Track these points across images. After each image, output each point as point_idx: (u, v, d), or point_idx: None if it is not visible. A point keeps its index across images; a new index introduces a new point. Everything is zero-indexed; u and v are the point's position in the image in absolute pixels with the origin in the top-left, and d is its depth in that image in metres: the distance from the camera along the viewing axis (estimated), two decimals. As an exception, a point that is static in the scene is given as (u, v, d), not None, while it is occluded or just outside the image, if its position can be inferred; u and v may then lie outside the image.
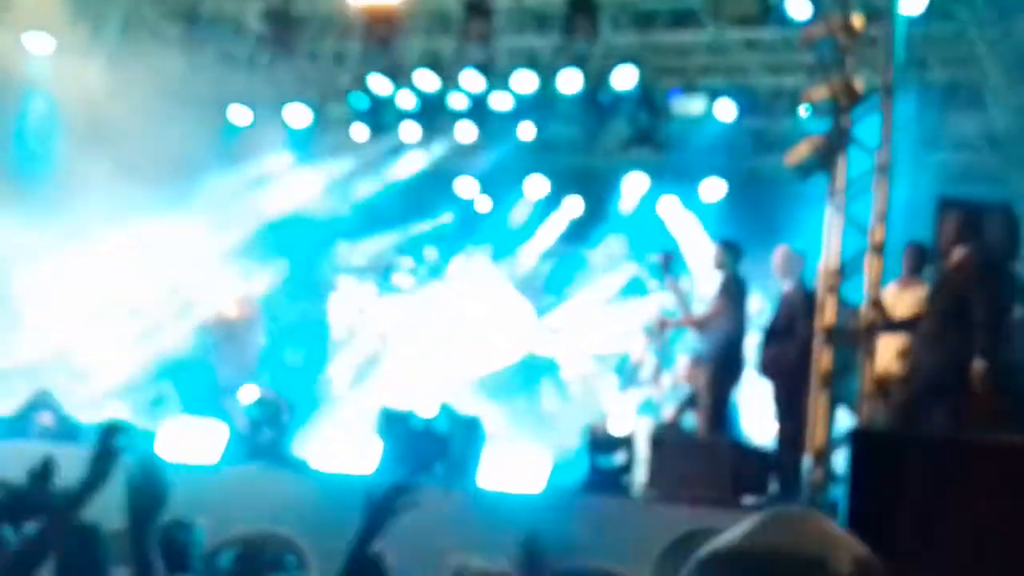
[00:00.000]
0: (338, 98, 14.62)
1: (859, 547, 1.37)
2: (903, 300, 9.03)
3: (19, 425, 9.95)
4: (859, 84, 9.13)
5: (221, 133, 14.42)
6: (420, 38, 13.91)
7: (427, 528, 7.21)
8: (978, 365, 7.78)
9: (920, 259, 9.12)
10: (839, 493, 8.32)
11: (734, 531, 1.40)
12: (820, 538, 1.36)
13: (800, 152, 9.21)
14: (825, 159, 9.11)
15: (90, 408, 11.24)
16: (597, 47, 13.29)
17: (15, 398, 10.29)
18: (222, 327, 12.04)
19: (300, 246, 14.41)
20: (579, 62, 13.62)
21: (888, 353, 8.83)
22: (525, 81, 13.85)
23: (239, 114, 14.64)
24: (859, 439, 7.29)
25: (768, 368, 9.60)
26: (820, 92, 9.19)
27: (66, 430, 10.27)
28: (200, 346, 12.22)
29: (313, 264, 14.74)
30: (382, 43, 12.65)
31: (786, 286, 9.69)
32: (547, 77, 13.81)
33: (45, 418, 10.15)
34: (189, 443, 9.29)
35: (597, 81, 13.87)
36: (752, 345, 10.09)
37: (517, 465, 8.99)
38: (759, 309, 10.37)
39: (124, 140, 11.90)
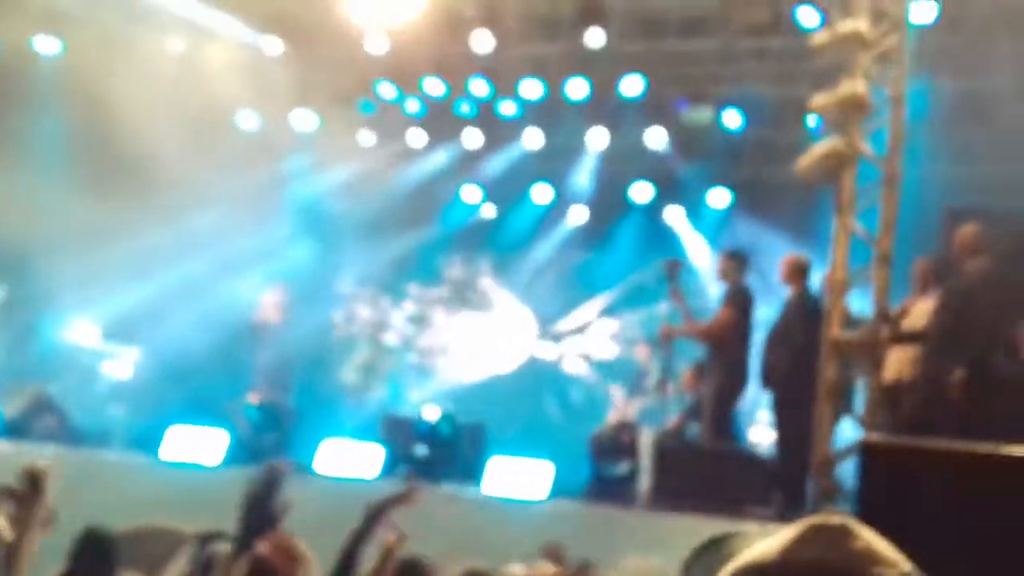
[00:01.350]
0: (345, 103, 14.65)
1: (905, 563, 1.30)
2: (915, 311, 8.99)
3: (21, 426, 9.94)
4: (868, 94, 9.11)
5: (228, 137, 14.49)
6: (429, 44, 13.92)
7: (431, 533, 7.20)
8: (959, 374, 7.82)
9: (932, 273, 9.05)
10: (844, 505, 8.31)
11: (770, 542, 1.33)
12: (864, 553, 1.30)
13: (808, 162, 9.19)
14: (833, 169, 9.09)
15: (92, 410, 11.31)
16: (605, 54, 13.29)
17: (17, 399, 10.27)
18: (261, 329, 12.10)
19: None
20: (586, 69, 13.63)
21: (897, 363, 8.80)
22: (532, 88, 13.86)
23: (246, 118, 14.70)
24: (869, 450, 7.25)
25: (767, 376, 9.59)
26: (829, 102, 9.16)
27: (68, 433, 10.29)
28: (234, 348, 12.28)
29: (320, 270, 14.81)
30: (391, 51, 12.69)
31: (789, 294, 9.67)
32: (554, 84, 13.83)
33: (47, 420, 10.15)
34: (192, 446, 9.29)
35: (604, 88, 13.88)
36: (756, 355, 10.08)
37: (521, 472, 8.97)
38: (764, 319, 10.32)
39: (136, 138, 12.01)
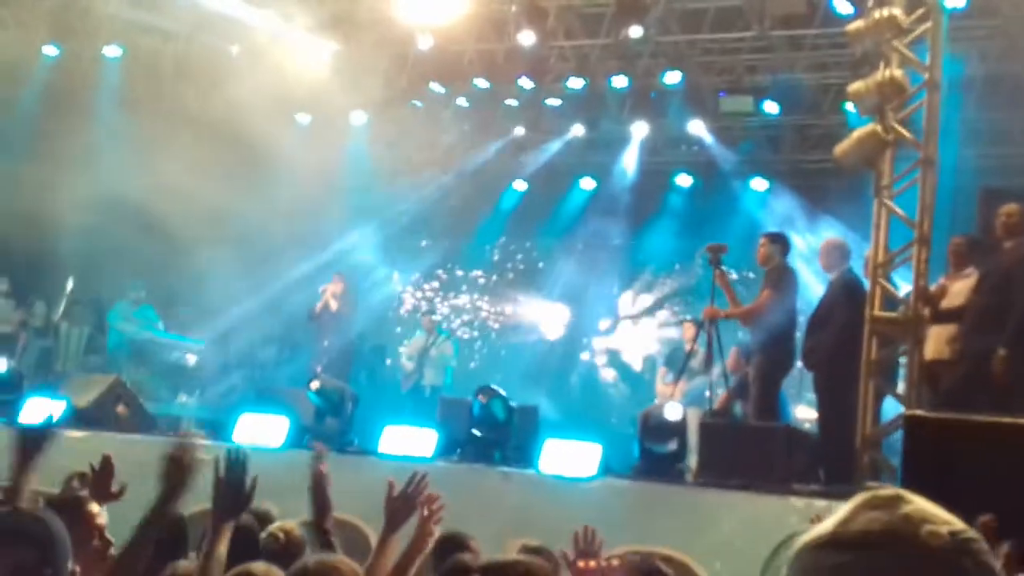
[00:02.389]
0: (396, 101, 15.00)
1: (956, 521, 1.34)
2: (953, 290, 9.17)
3: (95, 416, 10.30)
4: (905, 79, 9.30)
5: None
6: (474, 43, 14.24)
7: (487, 513, 7.46)
8: (1002, 351, 7.99)
9: (966, 251, 9.23)
10: (889, 480, 8.50)
11: (827, 520, 1.39)
12: (913, 515, 1.34)
13: (847, 147, 9.38)
14: (871, 154, 9.28)
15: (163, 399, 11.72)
16: (644, 47, 13.53)
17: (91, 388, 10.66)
18: (327, 318, 12.48)
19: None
20: (627, 62, 13.87)
21: (938, 341, 8.99)
22: (575, 81, 14.13)
23: (303, 117, 15.14)
24: (912, 424, 7.44)
25: (809, 357, 9.74)
26: (866, 87, 9.34)
27: (141, 421, 10.67)
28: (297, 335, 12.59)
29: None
30: (439, 49, 12.99)
31: (832, 277, 9.83)
32: (596, 78, 14.09)
33: (121, 409, 10.53)
34: (257, 433, 9.60)
35: (645, 81, 14.13)
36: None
37: (572, 451, 9.17)
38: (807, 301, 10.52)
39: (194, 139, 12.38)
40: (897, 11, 9.32)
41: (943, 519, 1.34)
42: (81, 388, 10.78)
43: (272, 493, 7.82)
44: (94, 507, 4.13)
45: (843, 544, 1.34)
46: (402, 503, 4.27)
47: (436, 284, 16.50)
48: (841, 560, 1.33)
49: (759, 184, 15.41)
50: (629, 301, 15.88)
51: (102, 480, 4.73)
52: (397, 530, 4.20)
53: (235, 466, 3.83)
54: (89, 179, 13.38)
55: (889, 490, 1.39)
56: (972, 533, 1.34)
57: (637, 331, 15.59)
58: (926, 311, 8.93)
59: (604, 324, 15.57)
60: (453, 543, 5.24)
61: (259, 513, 6.02)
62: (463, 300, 16.28)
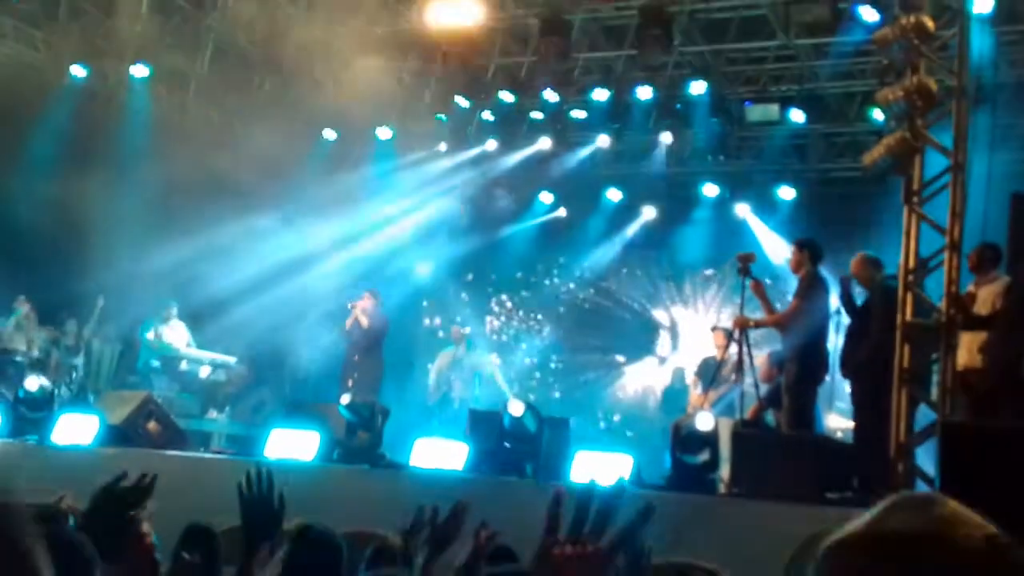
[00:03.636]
0: (422, 115, 15.07)
1: (989, 526, 1.32)
2: (980, 297, 9.14)
3: (127, 433, 10.36)
4: (934, 85, 9.27)
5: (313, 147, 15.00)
6: (499, 56, 14.29)
7: (518, 525, 7.44)
8: None
9: (985, 258, 9.22)
10: (922, 487, 8.45)
11: (858, 519, 1.37)
12: (947, 518, 1.32)
13: (876, 154, 9.35)
14: (901, 160, 9.24)
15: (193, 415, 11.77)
16: (669, 57, 13.54)
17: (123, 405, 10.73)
18: (357, 335, 12.52)
19: None
20: (652, 72, 13.88)
21: (970, 348, 8.95)
22: (600, 93, 14.15)
23: (328, 131, 15.24)
24: (948, 431, 7.39)
25: (846, 367, 9.71)
26: (895, 94, 9.31)
27: (172, 437, 10.72)
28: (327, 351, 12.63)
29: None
30: (462, 63, 13.02)
31: (865, 288, 9.79)
32: (621, 89, 14.10)
33: (151, 425, 10.58)
34: (288, 447, 9.64)
35: (670, 91, 14.13)
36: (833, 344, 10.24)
37: (603, 465, 9.15)
38: (837, 308, 10.47)
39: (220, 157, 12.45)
40: (924, 17, 9.29)
41: (977, 523, 1.32)
42: (114, 405, 10.84)
43: (304, 508, 7.91)
44: (145, 526, 4.14)
45: (874, 544, 1.32)
46: (444, 532, 4.22)
47: (466, 296, 16.55)
48: (872, 561, 1.31)
49: (786, 193, 15.37)
50: (661, 311, 15.86)
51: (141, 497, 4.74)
52: (437, 559, 4.15)
53: (259, 485, 3.81)
54: (117, 197, 13.48)
55: (923, 493, 1.37)
56: (1008, 538, 1.31)
57: (667, 342, 15.56)
58: (957, 317, 8.88)
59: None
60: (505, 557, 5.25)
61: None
62: (493, 311, 16.33)
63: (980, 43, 9.58)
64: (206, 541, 5.44)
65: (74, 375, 13.63)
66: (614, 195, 16.41)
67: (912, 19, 9.25)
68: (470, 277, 16.52)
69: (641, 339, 16.30)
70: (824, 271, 10.10)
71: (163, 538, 5.59)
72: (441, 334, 16.16)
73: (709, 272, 15.72)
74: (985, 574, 1.29)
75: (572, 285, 16.42)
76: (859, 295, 10.06)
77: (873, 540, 1.32)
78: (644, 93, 14.05)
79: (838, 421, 12.42)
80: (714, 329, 13.16)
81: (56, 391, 11.79)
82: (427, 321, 16.64)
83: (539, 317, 16.42)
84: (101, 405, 10.94)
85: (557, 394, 15.51)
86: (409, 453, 9.56)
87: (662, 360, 15.61)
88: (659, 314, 16.19)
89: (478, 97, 14.71)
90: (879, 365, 9.01)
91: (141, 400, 10.75)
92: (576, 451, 9.31)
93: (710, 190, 15.79)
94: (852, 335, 9.64)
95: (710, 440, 9.13)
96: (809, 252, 10.00)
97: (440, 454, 9.64)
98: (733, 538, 8.02)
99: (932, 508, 1.33)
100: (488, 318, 16.60)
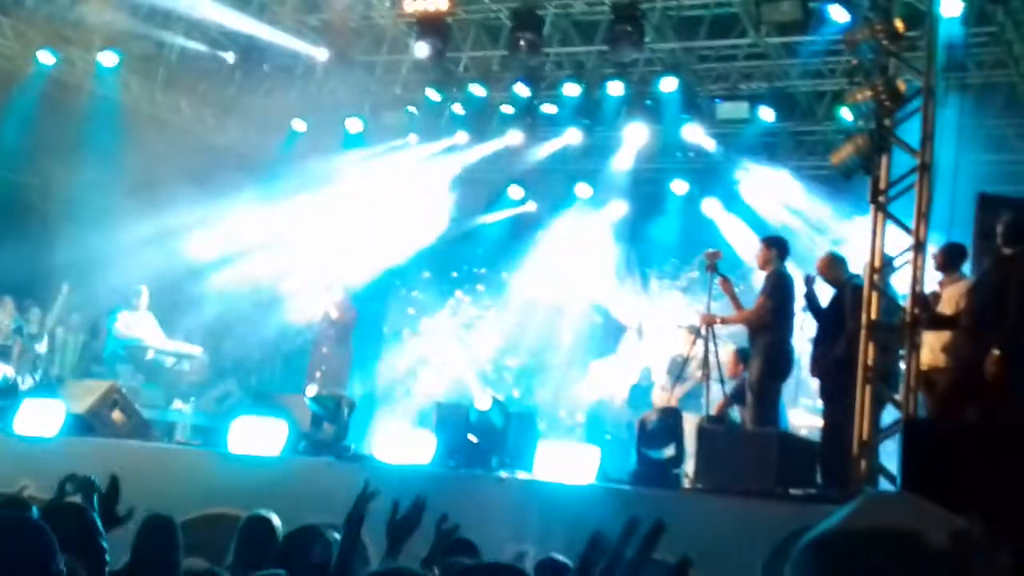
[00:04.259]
0: (392, 106, 15.04)
1: (958, 520, 1.36)
2: (944, 296, 9.23)
3: (91, 422, 10.30)
4: (902, 86, 9.34)
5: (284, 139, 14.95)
6: (470, 48, 14.29)
7: (484, 518, 7.45)
8: (996, 352, 8.00)
9: (951, 257, 9.31)
10: (885, 486, 8.52)
11: (831, 518, 1.40)
12: (915, 515, 1.35)
13: (844, 153, 9.42)
14: (868, 159, 9.31)
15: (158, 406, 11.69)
16: (641, 54, 13.57)
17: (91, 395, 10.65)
18: (325, 327, 12.46)
19: None
20: (623, 69, 13.90)
21: (934, 348, 9.03)
22: (571, 88, 14.16)
23: (298, 123, 15.18)
24: (911, 429, 7.45)
25: (816, 366, 9.77)
26: (863, 94, 9.38)
27: (136, 427, 10.66)
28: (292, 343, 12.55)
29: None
30: (434, 53, 12.99)
31: (834, 287, 9.84)
32: (592, 84, 14.12)
33: (116, 415, 10.52)
34: (254, 438, 9.61)
35: (641, 87, 14.17)
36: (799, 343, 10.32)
37: (568, 457, 9.19)
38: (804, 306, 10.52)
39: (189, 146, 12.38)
40: (894, 18, 9.36)
41: (947, 519, 1.35)
42: (78, 394, 10.77)
43: (270, 499, 7.87)
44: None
45: (848, 542, 1.35)
46: (404, 525, 4.25)
47: (431, 289, 16.54)
48: (846, 558, 1.34)
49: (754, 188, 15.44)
50: (627, 307, 15.90)
51: (109, 504, 4.71)
52: (399, 552, 4.18)
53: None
54: (83, 185, 13.38)
55: (892, 492, 1.39)
56: (976, 533, 1.35)
57: (634, 338, 15.61)
58: (921, 316, 8.95)
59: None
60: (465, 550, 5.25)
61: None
62: (458, 304, 16.33)
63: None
64: (166, 531, 5.41)
65: (37, 363, 13.50)
66: (583, 191, 16.44)
67: (882, 20, 9.33)
68: (427, 274, 16.50)
69: (607, 336, 16.33)
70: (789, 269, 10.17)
71: (127, 528, 5.57)
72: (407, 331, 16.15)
73: (676, 269, 15.77)
74: (955, 569, 1.32)
75: (537, 279, 16.43)
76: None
77: (847, 538, 1.35)
78: (615, 89, 14.07)
79: (802, 418, 12.50)
80: (680, 327, 13.23)
81: (19, 379, 11.70)
82: (394, 314, 16.61)
83: (503, 311, 16.42)
84: (65, 394, 10.85)
85: (517, 392, 15.51)
86: (373, 444, 9.57)
87: (628, 357, 15.65)
88: (625, 310, 16.22)
89: (449, 90, 14.69)
90: (852, 364, 9.07)
91: (106, 389, 10.68)
92: (542, 444, 9.34)
93: (679, 186, 15.85)
94: (821, 333, 9.69)
95: (675, 435, 9.19)
96: (776, 249, 10.07)
97: (405, 444, 9.68)
98: (697, 533, 8.06)
99: (898, 506, 1.37)
100: (448, 311, 16.59)
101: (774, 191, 15.03)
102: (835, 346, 9.41)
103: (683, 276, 15.67)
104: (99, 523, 4.06)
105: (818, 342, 9.74)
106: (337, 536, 4.75)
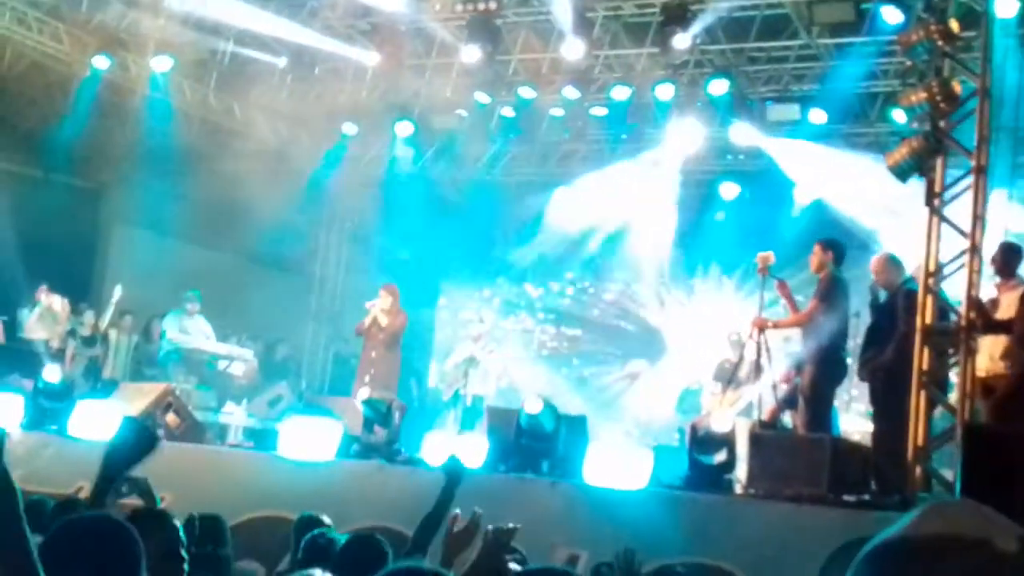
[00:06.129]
0: (442, 110, 15.08)
1: (1020, 529, 1.35)
2: (1003, 303, 9.09)
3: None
4: (957, 87, 9.23)
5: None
6: (520, 51, 14.29)
7: (535, 522, 7.44)
8: None
9: (1009, 257, 9.17)
10: (939, 492, 8.42)
11: (894, 527, 1.39)
12: (981, 522, 1.34)
13: (899, 155, 9.31)
14: (923, 161, 9.21)
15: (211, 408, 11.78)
16: (691, 56, 13.50)
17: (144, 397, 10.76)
18: (375, 331, 12.48)
19: None
20: (673, 71, 13.84)
21: (992, 355, 8.91)
22: (620, 91, 14.11)
23: (348, 126, 15.27)
24: (971, 435, 7.35)
25: (866, 369, 9.66)
26: (918, 96, 9.28)
27: (190, 430, 10.76)
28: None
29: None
30: (483, 56, 13.02)
31: (887, 290, 9.73)
32: (642, 86, 14.06)
33: (170, 418, 10.61)
34: (306, 441, 9.66)
35: (691, 89, 14.09)
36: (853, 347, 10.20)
37: (620, 462, 9.15)
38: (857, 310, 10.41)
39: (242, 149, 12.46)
40: (949, 19, 9.25)
41: (1012, 527, 1.34)
42: (132, 397, 10.88)
43: (321, 502, 7.92)
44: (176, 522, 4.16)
45: (912, 551, 1.34)
46: (463, 539, 4.25)
47: (483, 295, 16.56)
48: (910, 567, 1.33)
49: (805, 192, 15.28)
50: (676, 312, 15.83)
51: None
52: (452, 564, 4.18)
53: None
54: (137, 188, 13.53)
55: (955, 500, 1.44)
56: None
57: (684, 343, 15.53)
58: (977, 321, 8.84)
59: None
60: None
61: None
62: (509, 308, 16.34)
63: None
64: (215, 531, 5.43)
65: (90, 366, 13.67)
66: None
67: (937, 21, 9.23)
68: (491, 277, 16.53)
69: (655, 341, 16.27)
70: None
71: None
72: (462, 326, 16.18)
73: (724, 272, 15.67)
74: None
75: (588, 287, 16.39)
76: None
77: (914, 545, 1.34)
78: (665, 92, 13.99)
79: (855, 423, 12.38)
80: (730, 335, 13.13)
81: (74, 382, 11.84)
82: (444, 318, 16.64)
83: (555, 320, 16.42)
84: (119, 397, 10.97)
85: (569, 398, 15.49)
86: (424, 448, 9.57)
87: (677, 363, 15.58)
88: (672, 316, 16.13)
89: (498, 93, 14.70)
90: (903, 368, 8.97)
91: (160, 392, 10.80)
92: (593, 448, 9.30)
93: (728, 189, 15.73)
94: (871, 338, 9.59)
95: (727, 441, 9.14)
96: (833, 253, 9.94)
97: (455, 449, 9.66)
98: (749, 539, 8.02)
99: (963, 514, 1.35)
100: (496, 314, 16.60)
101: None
102: (885, 350, 9.30)
103: (732, 279, 15.57)
104: (182, 532, 4.08)
105: (867, 346, 9.63)
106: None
